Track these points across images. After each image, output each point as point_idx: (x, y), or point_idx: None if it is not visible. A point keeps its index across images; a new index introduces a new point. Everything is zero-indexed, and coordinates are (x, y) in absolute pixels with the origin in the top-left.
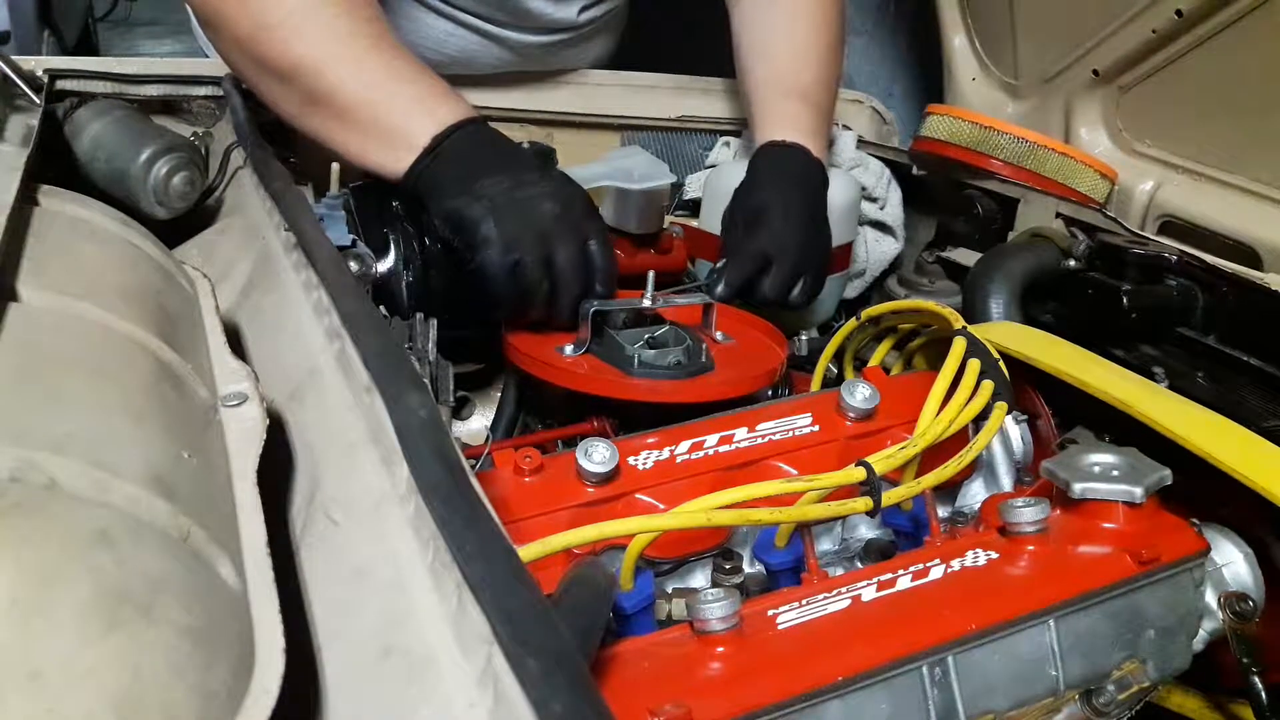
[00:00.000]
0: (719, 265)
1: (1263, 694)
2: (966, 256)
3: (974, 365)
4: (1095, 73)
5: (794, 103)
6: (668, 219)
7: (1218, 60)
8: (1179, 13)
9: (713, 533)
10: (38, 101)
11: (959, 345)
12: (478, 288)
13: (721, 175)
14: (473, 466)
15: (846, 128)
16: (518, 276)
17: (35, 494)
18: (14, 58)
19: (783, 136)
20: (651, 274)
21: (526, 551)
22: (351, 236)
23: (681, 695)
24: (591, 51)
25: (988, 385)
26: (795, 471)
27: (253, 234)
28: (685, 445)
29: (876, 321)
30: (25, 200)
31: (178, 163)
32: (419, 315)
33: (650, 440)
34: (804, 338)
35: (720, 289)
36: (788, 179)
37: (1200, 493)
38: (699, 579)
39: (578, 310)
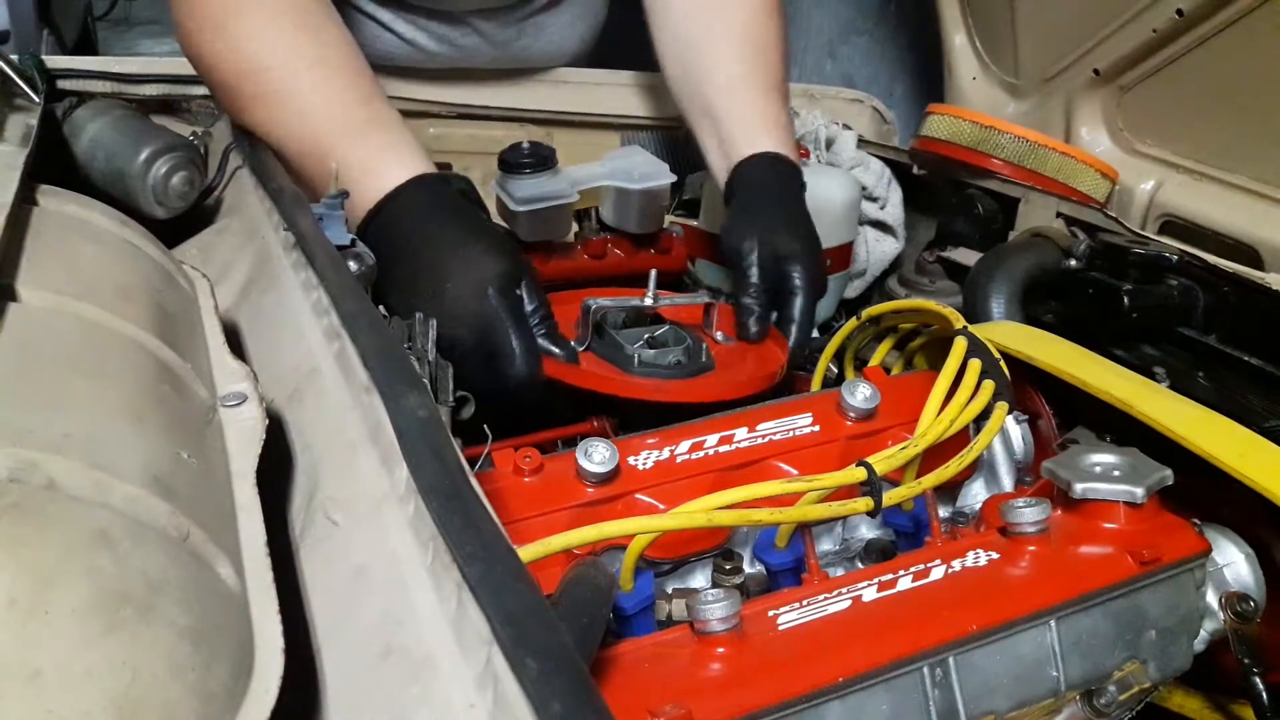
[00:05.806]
0: (754, 309)
1: (1264, 694)
2: (967, 256)
3: (975, 365)
4: (1096, 72)
5: (774, 101)
6: (668, 219)
7: (1218, 60)
8: (1179, 12)
9: (713, 533)
10: (37, 101)
11: (960, 345)
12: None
13: None
14: (472, 466)
15: (847, 127)
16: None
17: (34, 494)
18: (12, 56)
19: (772, 146)
20: (654, 273)
21: (526, 552)
22: (351, 236)
23: (682, 696)
24: (559, 33)
25: (989, 385)
26: (796, 471)
27: (252, 234)
28: (685, 445)
29: (877, 321)
30: (24, 200)
31: (176, 162)
32: (418, 315)
33: (650, 440)
34: None
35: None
36: (798, 211)
37: (1201, 493)
38: (699, 579)
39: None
